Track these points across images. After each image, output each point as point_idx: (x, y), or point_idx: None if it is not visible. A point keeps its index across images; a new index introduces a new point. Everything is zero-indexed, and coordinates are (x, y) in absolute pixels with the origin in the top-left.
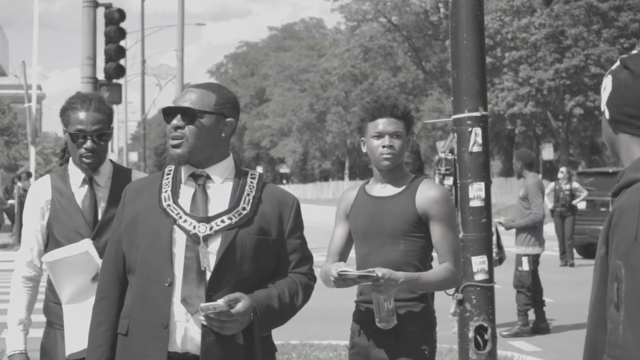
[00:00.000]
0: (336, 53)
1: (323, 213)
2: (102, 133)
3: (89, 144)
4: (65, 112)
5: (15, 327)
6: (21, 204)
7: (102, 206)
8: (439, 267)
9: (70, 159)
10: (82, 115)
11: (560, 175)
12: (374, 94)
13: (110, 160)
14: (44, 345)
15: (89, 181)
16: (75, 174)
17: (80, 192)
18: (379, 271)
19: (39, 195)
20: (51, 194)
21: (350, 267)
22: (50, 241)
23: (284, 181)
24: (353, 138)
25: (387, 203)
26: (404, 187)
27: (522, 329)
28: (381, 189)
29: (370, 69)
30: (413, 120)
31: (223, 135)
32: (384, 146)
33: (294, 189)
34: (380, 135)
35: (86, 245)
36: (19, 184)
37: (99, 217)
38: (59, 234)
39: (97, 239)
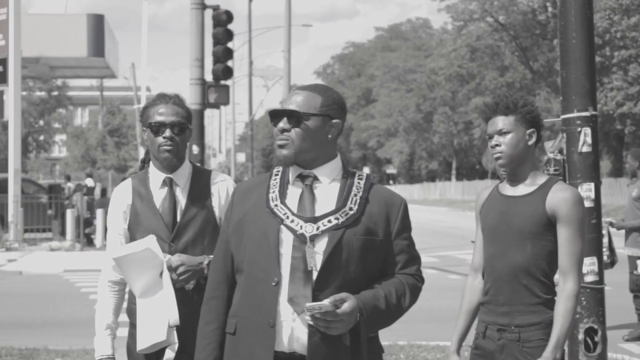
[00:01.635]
0: (443, 53)
1: (430, 214)
2: (182, 126)
3: (167, 132)
4: (145, 110)
5: (102, 332)
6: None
7: (180, 208)
8: (560, 301)
9: (151, 162)
10: (161, 108)
11: None
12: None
13: (190, 162)
14: (129, 346)
15: (169, 183)
16: (155, 176)
17: (159, 194)
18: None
19: (120, 200)
20: (131, 197)
21: None
22: None
23: (391, 182)
24: (460, 138)
25: (517, 203)
26: (536, 187)
27: None
28: (513, 189)
29: (477, 68)
30: (532, 112)
31: (329, 136)
32: (491, 146)
33: (400, 190)
34: (490, 137)
35: (149, 242)
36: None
37: (178, 219)
38: (140, 237)
39: (176, 241)
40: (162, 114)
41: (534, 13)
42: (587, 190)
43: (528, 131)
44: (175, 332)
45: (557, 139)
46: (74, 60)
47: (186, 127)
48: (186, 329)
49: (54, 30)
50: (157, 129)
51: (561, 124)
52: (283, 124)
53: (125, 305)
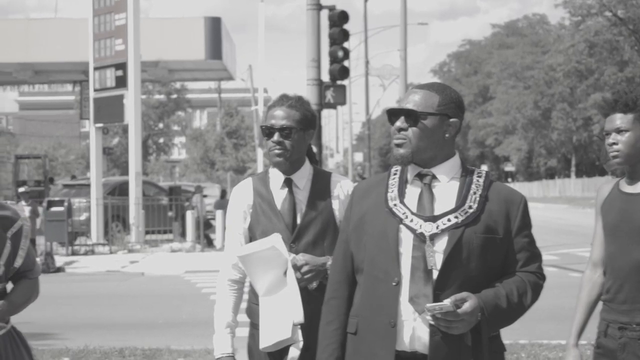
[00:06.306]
0: (560, 49)
1: (550, 211)
2: (290, 129)
3: (275, 136)
4: (267, 111)
5: (222, 330)
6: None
7: (301, 209)
8: None
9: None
10: (276, 111)
11: None
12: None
13: (311, 163)
14: (250, 346)
15: (288, 184)
16: (276, 177)
17: (279, 195)
18: None
19: (241, 199)
20: (252, 197)
21: None
22: None
23: (509, 179)
24: (579, 135)
25: (637, 200)
26: None
27: None
28: (632, 186)
29: (595, 64)
30: None
31: (447, 135)
32: (608, 144)
33: (519, 187)
34: (607, 134)
35: (274, 240)
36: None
37: (298, 220)
38: (259, 237)
39: (296, 242)
40: (274, 117)
41: None
42: None
43: None
44: (299, 331)
45: None
46: (192, 63)
47: (296, 130)
48: (310, 328)
49: (172, 34)
50: (267, 132)
51: None
52: (400, 123)
53: (244, 305)
